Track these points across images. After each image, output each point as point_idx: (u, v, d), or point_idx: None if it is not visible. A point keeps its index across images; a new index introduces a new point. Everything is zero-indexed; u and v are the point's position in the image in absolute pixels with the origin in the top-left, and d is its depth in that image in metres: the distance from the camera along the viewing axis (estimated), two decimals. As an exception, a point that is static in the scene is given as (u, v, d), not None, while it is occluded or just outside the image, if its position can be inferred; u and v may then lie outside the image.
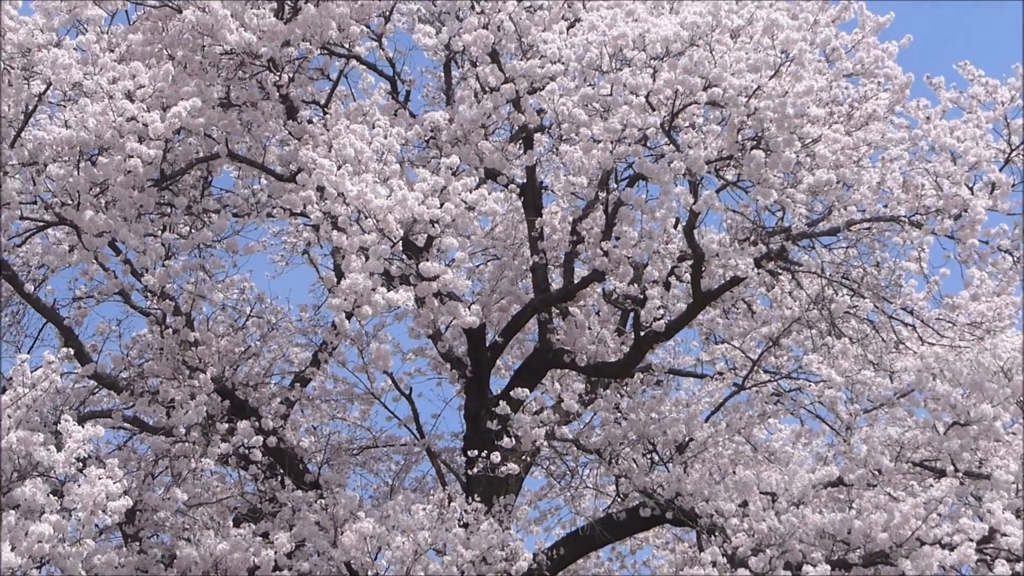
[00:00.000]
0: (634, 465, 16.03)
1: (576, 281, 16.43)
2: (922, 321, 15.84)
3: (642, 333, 15.93)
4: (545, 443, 16.12)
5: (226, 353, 16.56)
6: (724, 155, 13.64)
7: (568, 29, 14.71)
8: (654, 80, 13.16)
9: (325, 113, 15.73)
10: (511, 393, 15.96)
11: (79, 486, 11.46)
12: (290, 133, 15.27)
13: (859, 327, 16.81)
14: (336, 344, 17.24)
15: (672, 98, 13.31)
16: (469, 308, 13.92)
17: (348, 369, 18.70)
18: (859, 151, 14.23)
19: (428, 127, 15.14)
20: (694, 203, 13.57)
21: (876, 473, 14.42)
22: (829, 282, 15.91)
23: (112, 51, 14.44)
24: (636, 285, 15.45)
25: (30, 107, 14.43)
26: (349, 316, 12.90)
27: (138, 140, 13.43)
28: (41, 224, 15.40)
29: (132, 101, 13.61)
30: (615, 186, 15.72)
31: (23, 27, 14.21)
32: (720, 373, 17.60)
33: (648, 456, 16.41)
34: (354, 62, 16.73)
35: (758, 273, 15.05)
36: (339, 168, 13.30)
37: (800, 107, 13.01)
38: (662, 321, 15.45)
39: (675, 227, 15.23)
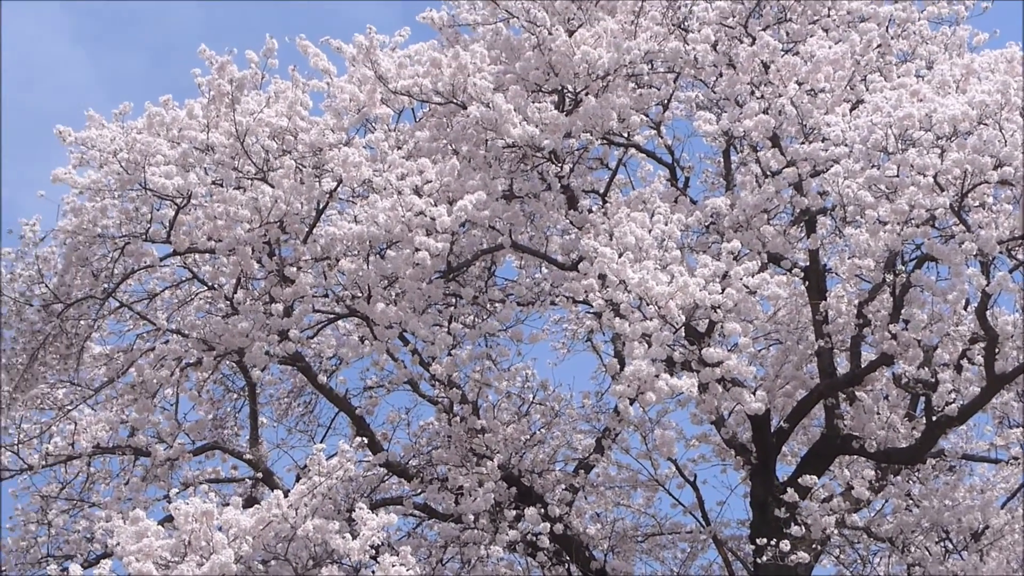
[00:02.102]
0: (927, 553, 15.52)
1: (863, 365, 16.07)
2: None
3: (934, 418, 15.45)
4: (835, 531, 15.72)
5: (512, 440, 16.69)
6: (1017, 234, 13.24)
7: (851, 111, 14.52)
8: (942, 160, 12.88)
9: (605, 202, 15.85)
10: (799, 480, 15.68)
11: (373, 573, 11.71)
12: (571, 222, 15.45)
13: None
14: (619, 430, 17.22)
15: (961, 178, 13.00)
16: (754, 394, 13.75)
17: (631, 455, 18.71)
18: None
19: (709, 213, 15.10)
20: (987, 284, 13.17)
21: None
22: None
23: (400, 148, 14.89)
24: (926, 368, 15.02)
25: (321, 204, 14.97)
26: (632, 402, 12.90)
27: (426, 233, 13.76)
28: (332, 316, 15.91)
29: (420, 196, 13.98)
30: (902, 268, 15.37)
31: (314, 127, 14.80)
32: (1015, 458, 16.95)
33: (942, 544, 15.89)
34: (633, 150, 16.85)
35: (1054, 354, 14.53)
36: (620, 256, 13.37)
37: (1097, 184, 12.57)
38: (954, 405, 14.97)
39: (966, 308, 14.80)
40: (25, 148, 38.68)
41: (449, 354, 14.94)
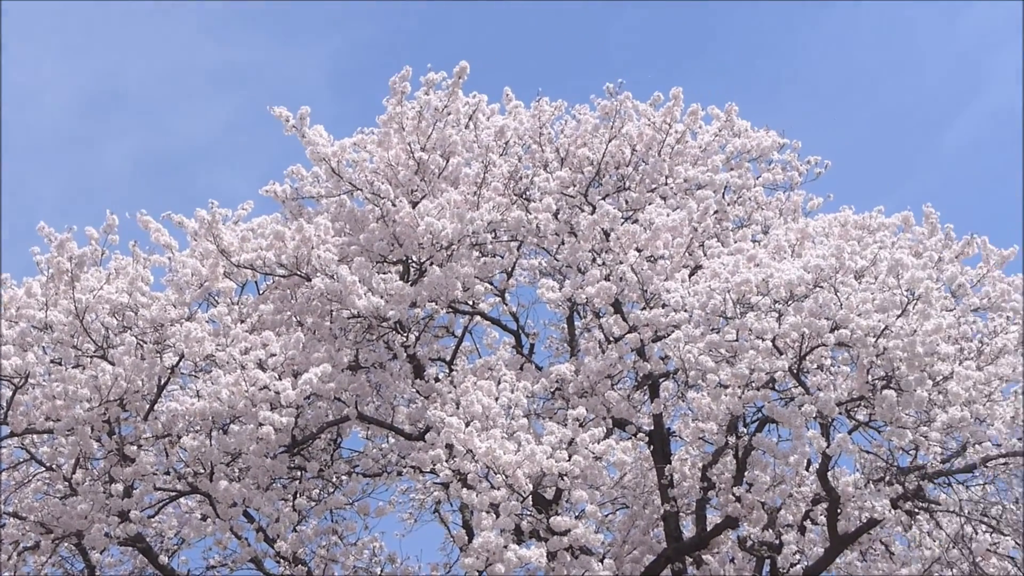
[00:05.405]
0: None
1: (709, 528, 16.16)
2: (1068, 555, 15.33)
3: (780, 579, 15.57)
4: None
5: (360, 616, 16.42)
6: (855, 396, 13.51)
7: (690, 276, 14.80)
8: (780, 324, 13.15)
9: (451, 370, 15.87)
10: (648, 646, 15.63)
11: None
12: (418, 392, 15.43)
13: (1001, 564, 16.28)
14: (470, 603, 17.04)
15: (799, 341, 13.27)
16: (602, 561, 13.72)
17: (484, 629, 18.45)
18: (991, 386, 13.98)
19: (554, 380, 15.18)
20: (827, 446, 13.39)
21: None
22: (968, 520, 15.50)
23: (243, 321, 14.79)
24: (771, 530, 15.14)
25: (163, 380, 14.74)
26: (481, 574, 12.79)
27: (270, 408, 13.62)
28: (174, 494, 15.59)
29: (264, 370, 13.86)
30: (744, 431, 15.56)
31: (156, 303, 14.65)
32: (862, 617, 17.07)
33: None
34: (478, 318, 16.94)
35: (895, 513, 14.74)
36: (467, 425, 13.35)
37: (930, 345, 12.87)
38: (799, 567, 15.09)
39: (807, 470, 15.00)
40: None
41: (294, 530, 14.76)
